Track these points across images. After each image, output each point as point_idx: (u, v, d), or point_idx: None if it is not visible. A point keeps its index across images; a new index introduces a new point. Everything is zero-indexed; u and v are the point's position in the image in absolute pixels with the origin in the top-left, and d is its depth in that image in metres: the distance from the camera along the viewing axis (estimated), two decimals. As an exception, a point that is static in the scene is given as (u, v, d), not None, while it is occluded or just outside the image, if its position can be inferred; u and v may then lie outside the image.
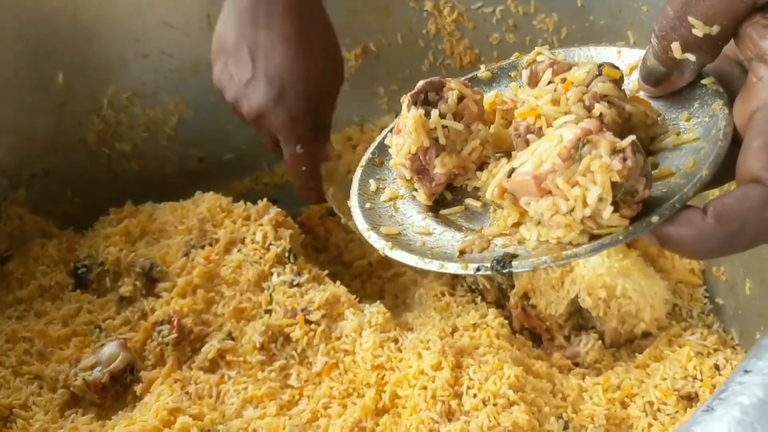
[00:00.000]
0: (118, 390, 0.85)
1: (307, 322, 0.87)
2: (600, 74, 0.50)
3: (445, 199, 0.54)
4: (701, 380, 0.82)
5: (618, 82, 0.50)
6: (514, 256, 0.46)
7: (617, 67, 0.51)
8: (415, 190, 0.54)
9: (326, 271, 0.96)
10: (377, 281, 1.07)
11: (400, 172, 0.54)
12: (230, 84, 0.95)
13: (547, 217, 0.45)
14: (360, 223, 0.53)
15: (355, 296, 0.92)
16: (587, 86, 0.50)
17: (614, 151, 0.44)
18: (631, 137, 0.45)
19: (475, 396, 0.79)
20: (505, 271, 0.45)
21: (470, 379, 0.80)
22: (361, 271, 1.08)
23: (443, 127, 0.52)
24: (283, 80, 0.93)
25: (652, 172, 0.46)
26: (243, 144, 1.23)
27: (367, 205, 0.54)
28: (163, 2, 1.11)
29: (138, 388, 0.84)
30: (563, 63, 0.52)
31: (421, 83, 0.54)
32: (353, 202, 0.55)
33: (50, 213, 1.08)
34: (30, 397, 0.83)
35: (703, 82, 0.50)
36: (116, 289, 0.94)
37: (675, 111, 0.50)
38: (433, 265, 0.47)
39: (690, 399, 0.82)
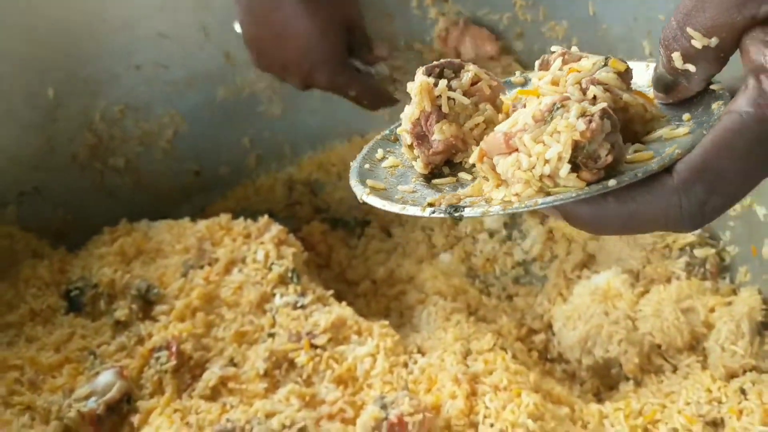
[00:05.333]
0: (115, 421, 0.81)
1: (313, 346, 0.84)
2: (606, 65, 0.51)
3: (443, 174, 0.54)
4: (727, 404, 0.79)
5: (624, 75, 0.51)
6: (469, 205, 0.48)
7: (624, 61, 0.51)
8: (416, 159, 0.54)
9: (331, 291, 0.92)
10: (382, 299, 1.03)
11: (404, 139, 0.55)
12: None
13: (510, 173, 0.47)
14: (352, 176, 0.54)
15: (361, 318, 0.88)
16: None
17: (583, 115, 0.45)
18: (603, 104, 0.46)
19: (492, 426, 0.75)
20: (457, 215, 0.48)
21: (486, 407, 0.76)
22: (365, 290, 1.04)
23: (449, 98, 0.53)
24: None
25: (634, 155, 0.47)
26: (239, 156, 1.19)
27: (366, 165, 0.56)
28: (157, 13, 1.07)
29: (135, 419, 0.80)
30: (574, 54, 0.53)
31: (441, 60, 0.55)
32: (355, 161, 0.56)
33: (41, 232, 1.04)
34: (21, 430, 0.79)
35: (712, 87, 0.50)
36: (111, 313, 0.89)
37: (680, 112, 0.50)
38: (395, 208, 0.50)
39: (716, 425, 0.79)
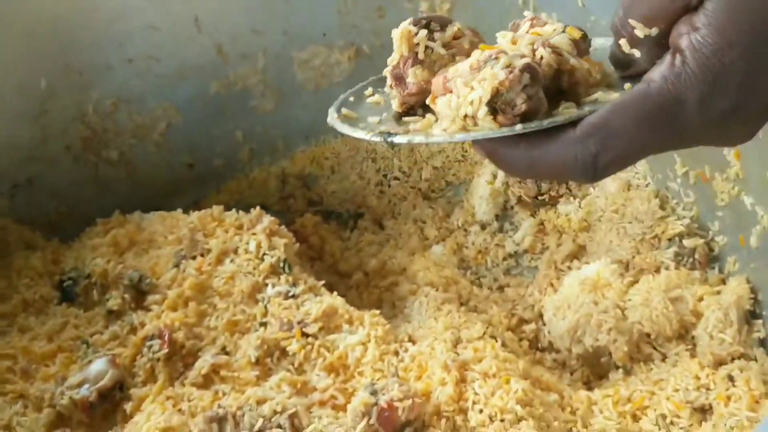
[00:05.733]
0: (107, 408, 0.81)
1: (304, 335, 0.84)
2: (563, 32, 0.55)
3: (416, 114, 0.59)
4: (715, 390, 0.80)
5: (579, 43, 0.55)
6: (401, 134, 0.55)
7: (582, 30, 0.56)
8: (394, 98, 0.59)
9: (322, 282, 0.92)
10: (374, 291, 1.03)
11: (388, 80, 0.59)
12: None
13: (443, 111, 0.54)
14: (334, 104, 0.60)
15: (352, 307, 0.89)
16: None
17: (507, 66, 0.51)
18: (526, 59, 0.52)
19: (481, 412, 0.76)
20: (389, 140, 0.55)
21: (476, 393, 0.77)
22: (357, 282, 1.04)
23: (426, 47, 0.57)
24: None
25: (562, 110, 0.52)
26: (233, 149, 1.20)
27: (351, 99, 0.61)
28: (149, 4, 1.07)
29: (128, 407, 0.81)
30: (542, 20, 0.58)
31: (431, 15, 0.61)
32: (344, 94, 0.62)
33: (35, 223, 1.04)
34: (14, 417, 0.80)
35: None
36: (104, 303, 0.90)
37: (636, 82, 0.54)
38: (346, 130, 0.57)
39: (704, 411, 0.79)
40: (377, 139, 0.55)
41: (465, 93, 0.52)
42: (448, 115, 0.53)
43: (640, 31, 0.50)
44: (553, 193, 1.08)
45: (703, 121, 0.48)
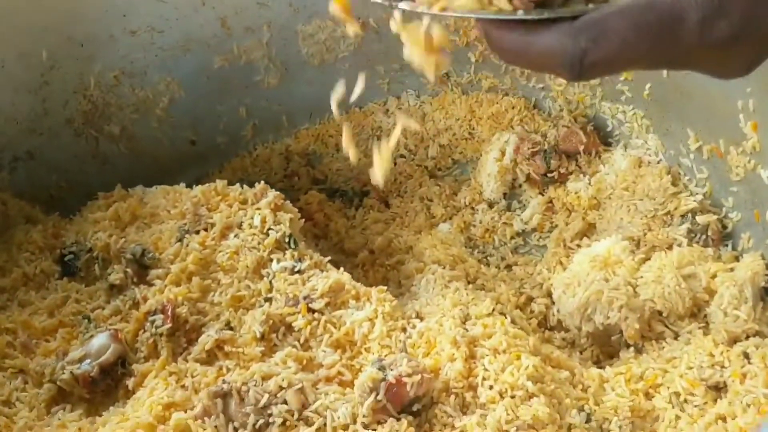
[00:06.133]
0: (109, 384, 0.80)
1: (310, 310, 0.82)
2: None
3: None
4: (730, 368, 0.78)
5: None
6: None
7: None
8: None
9: (328, 258, 0.91)
10: (380, 269, 1.02)
11: None
12: None
13: None
14: None
15: (358, 283, 0.87)
16: None
17: None
18: None
19: (491, 388, 0.74)
20: (395, 4, 0.54)
21: (485, 370, 0.75)
22: (363, 260, 1.03)
23: None
24: None
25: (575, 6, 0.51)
26: (236, 126, 1.18)
27: None
28: (152, -25, 1.05)
29: (130, 382, 0.79)
30: None
31: None
32: None
33: (35, 197, 1.02)
34: (14, 393, 0.78)
35: None
36: (105, 277, 0.88)
37: None
38: None
39: (719, 389, 0.78)
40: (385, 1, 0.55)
41: None
42: None
43: None
44: (562, 170, 1.06)
45: (700, 42, 0.48)
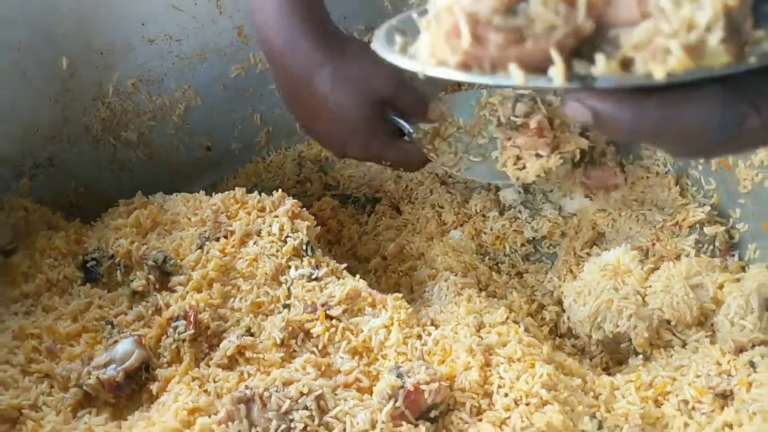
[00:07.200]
0: (133, 389, 0.81)
1: (328, 317, 0.84)
2: None
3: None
4: (736, 376, 0.80)
5: None
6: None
7: None
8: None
9: (344, 265, 0.93)
10: (392, 275, 1.04)
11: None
12: None
13: (641, 43, 0.41)
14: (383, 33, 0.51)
15: (374, 290, 0.89)
16: None
17: None
18: None
19: (506, 396, 0.76)
20: (587, 84, 0.42)
21: (501, 378, 0.77)
22: (375, 266, 1.05)
23: None
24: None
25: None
26: (251, 132, 1.20)
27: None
28: (170, -16, 1.07)
29: (154, 387, 0.81)
30: None
31: None
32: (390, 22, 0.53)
33: (55, 203, 1.04)
34: (40, 397, 0.79)
35: None
36: (128, 283, 0.90)
37: None
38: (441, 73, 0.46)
39: (725, 397, 0.80)
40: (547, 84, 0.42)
41: (682, 15, 0.40)
42: (653, 47, 0.41)
43: None
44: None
45: None
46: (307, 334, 0.84)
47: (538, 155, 0.89)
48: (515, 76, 0.42)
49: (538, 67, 0.42)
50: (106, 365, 0.81)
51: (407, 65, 0.47)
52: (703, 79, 0.42)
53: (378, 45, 0.49)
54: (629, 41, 0.42)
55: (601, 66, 0.42)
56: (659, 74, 0.40)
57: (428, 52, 0.46)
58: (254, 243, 0.92)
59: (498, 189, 1.12)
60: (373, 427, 0.74)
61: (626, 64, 0.42)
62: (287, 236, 0.92)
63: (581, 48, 0.43)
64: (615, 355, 0.92)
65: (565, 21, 0.42)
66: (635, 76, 0.41)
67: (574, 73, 0.42)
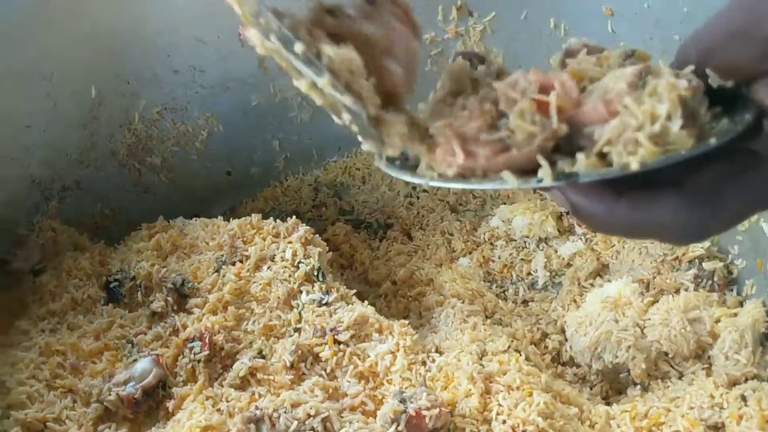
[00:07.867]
0: (151, 405, 0.86)
1: (336, 342, 0.88)
2: (632, 56, 0.53)
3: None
4: (728, 409, 0.83)
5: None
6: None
7: (647, 53, 0.53)
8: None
9: (354, 291, 0.96)
10: (402, 300, 1.07)
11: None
12: None
13: (613, 138, 0.46)
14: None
15: (381, 317, 0.93)
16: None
17: (677, 77, 0.47)
18: (690, 66, 0.48)
19: (504, 422, 0.79)
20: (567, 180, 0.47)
21: (499, 405, 0.81)
22: (386, 290, 1.08)
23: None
24: None
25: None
26: (269, 158, 1.25)
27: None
28: (195, 18, 1.12)
29: (170, 404, 0.85)
30: (595, 46, 0.55)
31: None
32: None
33: (81, 225, 1.09)
34: (64, 411, 0.84)
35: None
36: (148, 305, 0.94)
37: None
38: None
39: (716, 429, 0.83)
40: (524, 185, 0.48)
41: (644, 110, 0.45)
42: (624, 140, 0.46)
43: (714, 81, 0.48)
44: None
45: None
46: (316, 357, 0.88)
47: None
48: (509, 180, 0.48)
49: (526, 168, 0.49)
50: (125, 382, 0.85)
51: (414, 180, 0.53)
52: (668, 175, 0.47)
53: (383, 164, 0.56)
54: (603, 136, 0.47)
55: (582, 163, 0.47)
56: (635, 165, 0.45)
57: (428, 168, 0.53)
58: (268, 268, 0.96)
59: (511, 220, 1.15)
60: (376, 449, 0.78)
61: (603, 155, 0.47)
62: (300, 262, 0.96)
63: (560, 143, 0.49)
64: (614, 384, 0.95)
65: (542, 128, 0.48)
66: (614, 169, 0.46)
67: (560, 172, 0.48)
